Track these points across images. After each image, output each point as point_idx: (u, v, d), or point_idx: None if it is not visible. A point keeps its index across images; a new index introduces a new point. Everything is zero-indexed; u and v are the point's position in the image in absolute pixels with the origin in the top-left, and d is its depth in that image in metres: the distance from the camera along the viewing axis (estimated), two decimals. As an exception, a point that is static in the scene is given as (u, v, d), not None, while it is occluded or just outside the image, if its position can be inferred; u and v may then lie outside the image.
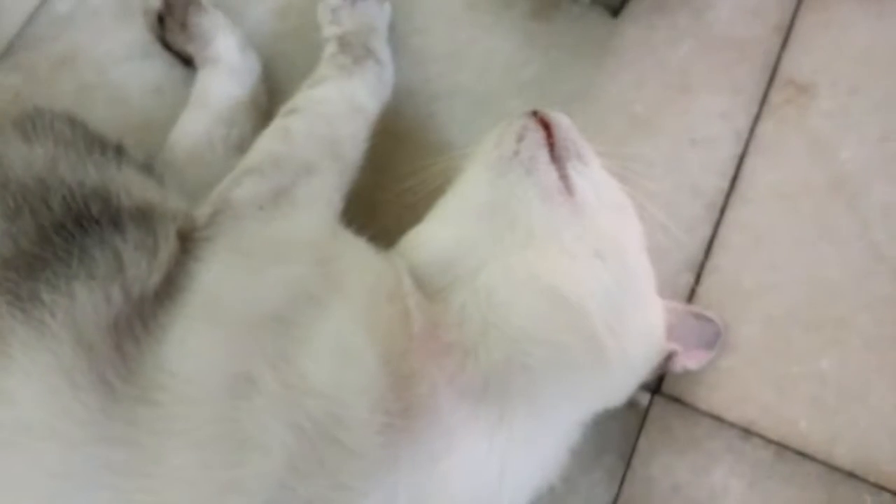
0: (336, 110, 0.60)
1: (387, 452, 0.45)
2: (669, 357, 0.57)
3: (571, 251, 0.52)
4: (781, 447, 0.60)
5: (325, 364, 0.45)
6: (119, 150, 0.54)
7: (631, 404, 0.61)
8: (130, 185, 0.51)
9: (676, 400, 0.62)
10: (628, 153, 0.68)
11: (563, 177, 0.55)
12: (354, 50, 0.64)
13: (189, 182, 0.59)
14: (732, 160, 0.68)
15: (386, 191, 0.66)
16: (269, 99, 0.69)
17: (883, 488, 0.58)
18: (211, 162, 0.62)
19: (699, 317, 0.62)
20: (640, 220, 0.65)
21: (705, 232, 0.67)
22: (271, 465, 0.43)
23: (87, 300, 0.43)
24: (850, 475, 0.59)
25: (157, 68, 0.73)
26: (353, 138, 0.59)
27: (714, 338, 0.61)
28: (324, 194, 0.54)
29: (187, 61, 0.71)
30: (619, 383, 0.55)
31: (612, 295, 0.52)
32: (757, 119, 0.69)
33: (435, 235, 0.56)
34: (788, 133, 0.69)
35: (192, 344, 0.45)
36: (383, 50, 0.67)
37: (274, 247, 0.50)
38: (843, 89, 0.69)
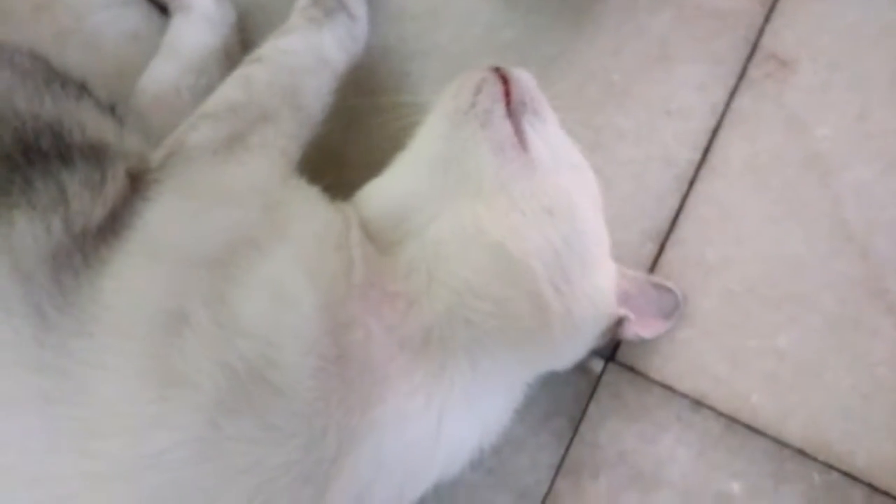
0: (301, 62, 0.59)
1: (317, 396, 0.45)
2: (619, 323, 0.57)
3: (520, 207, 0.52)
4: (731, 420, 0.60)
5: (260, 306, 0.45)
6: (81, 88, 0.55)
7: (584, 370, 0.62)
8: (86, 122, 0.51)
9: (630, 368, 0.62)
10: (600, 121, 0.69)
11: (519, 132, 0.54)
12: (326, 2, 0.63)
13: (154, 127, 0.60)
14: (706, 133, 0.67)
15: (354, 146, 0.66)
16: (242, 51, 0.69)
17: (832, 467, 0.58)
18: (177, 109, 0.62)
19: (659, 287, 0.61)
20: (609, 187, 0.65)
21: (673, 203, 0.66)
22: (199, 402, 0.43)
23: (26, 229, 0.44)
24: (800, 452, 0.59)
25: (134, 16, 0.72)
26: (316, 91, 0.59)
27: (672, 308, 0.61)
28: (279, 143, 0.54)
29: (164, 9, 0.71)
30: (563, 345, 0.54)
31: (560, 254, 0.52)
32: (734, 92, 0.68)
33: (389, 188, 0.56)
34: (765, 107, 0.67)
35: (130, 279, 0.45)
36: (357, 4, 0.66)
37: (222, 190, 0.50)
38: (825, 65, 0.68)
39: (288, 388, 0.44)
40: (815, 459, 0.58)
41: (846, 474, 0.57)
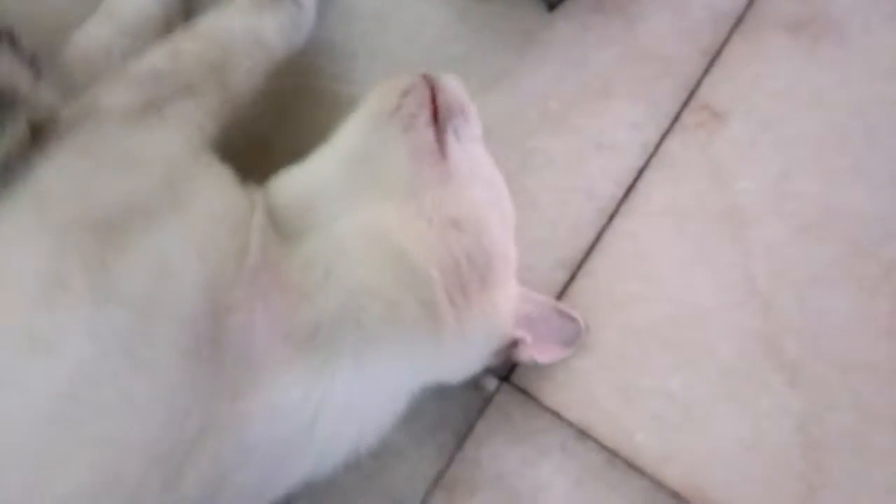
0: (236, 41, 0.59)
1: (184, 376, 0.44)
2: (514, 345, 0.57)
3: (428, 215, 0.52)
4: (613, 455, 0.60)
5: (141, 276, 0.45)
6: (3, 35, 0.54)
7: (477, 387, 0.62)
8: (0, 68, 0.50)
9: (523, 391, 0.62)
10: (532, 145, 0.69)
11: (440, 140, 0.54)
12: (274, -14, 0.63)
13: (78, 84, 0.59)
14: (632, 171, 0.68)
15: (283, 131, 0.66)
16: (184, 24, 0.68)
17: (703, 513, 0.59)
18: (104, 70, 0.61)
19: (563, 314, 0.62)
20: (531, 211, 0.66)
21: (589, 235, 0.67)
22: (58, 370, 0.42)
23: None
24: (675, 495, 0.59)
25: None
26: (247, 72, 0.58)
27: (572, 337, 0.61)
28: (196, 117, 0.54)
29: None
30: (452, 358, 0.54)
31: (460, 267, 0.52)
32: (665, 135, 0.69)
33: (303, 178, 0.55)
34: (692, 155, 0.69)
35: (11, 232, 0.44)
36: (306, -7, 0.66)
37: (125, 156, 0.50)
38: (756, 123, 0.70)
39: (155, 364, 0.44)
40: (690, 502, 0.59)
41: (715, 522, 0.58)
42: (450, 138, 0.55)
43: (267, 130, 0.66)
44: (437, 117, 0.55)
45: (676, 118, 0.70)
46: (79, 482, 0.42)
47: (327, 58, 0.71)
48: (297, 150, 0.59)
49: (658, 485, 0.59)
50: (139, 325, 0.44)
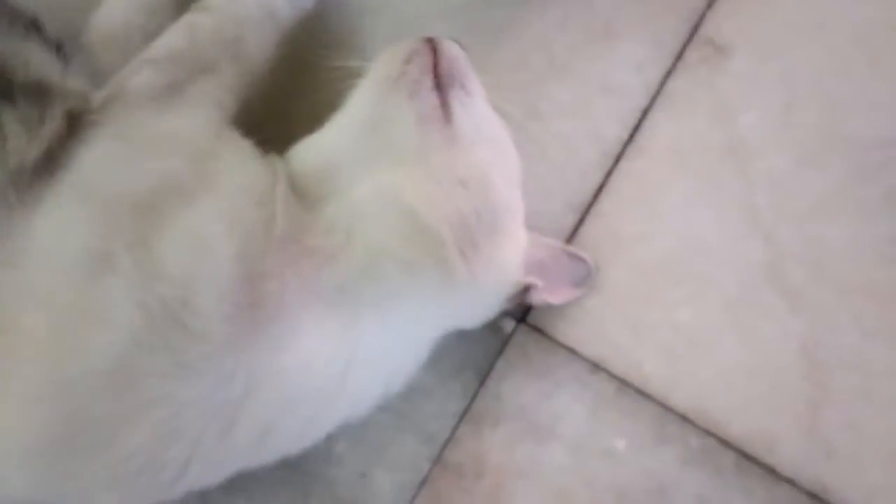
0: (248, 14, 0.61)
1: (229, 340, 0.49)
2: (526, 290, 0.61)
3: (437, 177, 0.55)
4: (624, 384, 0.65)
5: (181, 253, 0.49)
6: (30, 25, 0.57)
7: (496, 329, 0.66)
8: (30, 60, 0.54)
9: (538, 330, 0.66)
10: (539, 92, 0.71)
11: (444, 104, 0.57)
12: (280, -44, 0.65)
13: (102, 65, 0.62)
14: (637, 112, 0.70)
15: (298, 99, 0.69)
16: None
17: (709, 433, 0.63)
18: (126, 48, 0.63)
19: (573, 256, 0.65)
20: (539, 157, 0.69)
21: (597, 177, 0.69)
22: (115, 338, 0.47)
23: None
24: (682, 417, 0.64)
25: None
26: (260, 43, 0.61)
27: (583, 277, 0.65)
28: (216, 95, 0.57)
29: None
30: (468, 307, 0.59)
31: (469, 224, 0.55)
32: (669, 74, 0.71)
33: (319, 147, 0.59)
34: (697, 92, 0.70)
35: (59, 218, 0.49)
36: (311, -40, 0.68)
37: (156, 139, 0.53)
38: (758, 56, 0.71)
39: (201, 331, 0.48)
40: (694, 425, 0.63)
41: (721, 440, 0.63)
42: (454, 101, 0.57)
43: (281, 97, 0.69)
44: (440, 82, 0.58)
45: (680, 55, 0.71)
46: (142, 439, 0.48)
47: (335, 18, 0.73)
48: (312, 115, 0.62)
49: (666, 409, 0.64)
50: (184, 298, 0.48)
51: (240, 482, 0.57)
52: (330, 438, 0.59)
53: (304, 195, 0.56)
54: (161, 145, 0.53)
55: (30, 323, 0.47)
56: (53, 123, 0.51)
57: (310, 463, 0.63)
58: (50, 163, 0.50)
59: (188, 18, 0.60)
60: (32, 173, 0.49)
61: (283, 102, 0.68)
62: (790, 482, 0.62)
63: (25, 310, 0.47)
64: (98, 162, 0.51)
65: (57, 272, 0.48)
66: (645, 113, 0.70)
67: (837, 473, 0.62)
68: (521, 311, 0.67)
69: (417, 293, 0.55)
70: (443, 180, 0.55)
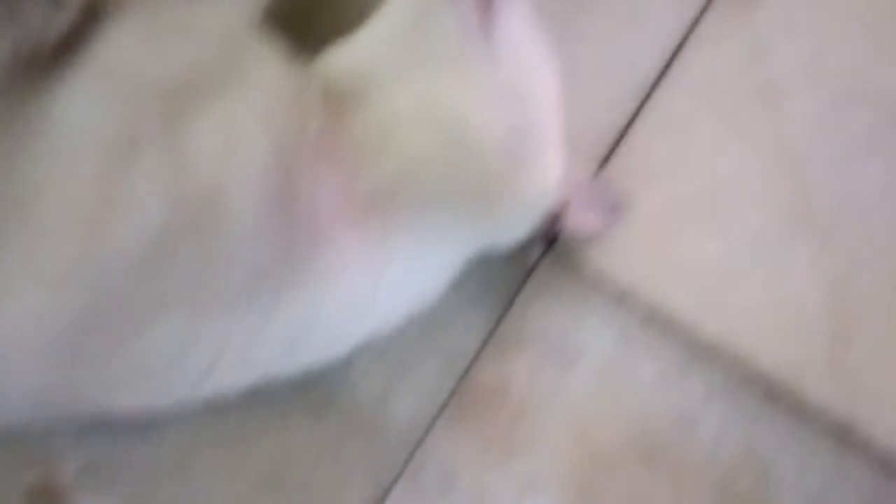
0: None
1: (262, 235, 0.48)
2: (561, 211, 0.60)
3: (478, 87, 0.54)
4: (651, 314, 0.64)
5: (211, 145, 0.48)
6: None
7: (523, 253, 0.65)
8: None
9: (565, 258, 0.65)
10: (576, 18, 0.71)
11: (487, 13, 0.56)
12: None
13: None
14: (671, 48, 0.70)
15: (322, 10, 0.67)
16: None
17: (736, 366, 0.63)
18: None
19: (603, 185, 0.65)
20: (573, 86, 0.68)
21: (629, 109, 0.69)
22: (143, 227, 0.46)
23: None
24: (710, 349, 0.63)
25: None
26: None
27: (614, 205, 0.64)
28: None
29: None
30: (505, 224, 0.58)
31: (509, 139, 0.54)
32: (703, 12, 0.71)
33: (352, 52, 0.57)
34: (729, 31, 0.70)
35: (83, 99, 0.47)
36: None
37: (185, 28, 0.52)
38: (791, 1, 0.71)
39: (234, 223, 0.47)
40: (721, 357, 0.63)
41: (748, 374, 0.62)
42: (496, 13, 0.56)
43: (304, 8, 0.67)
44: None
45: (714, -5, 0.71)
46: (170, 333, 0.47)
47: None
48: (336, 27, 0.61)
49: (693, 340, 0.63)
50: (214, 190, 0.47)
51: (257, 398, 0.56)
52: (351, 356, 0.57)
53: (338, 99, 0.55)
54: (190, 35, 0.51)
55: (54, 204, 0.45)
56: (71, 9, 0.49)
57: (330, 381, 0.61)
58: (72, 44, 0.49)
59: None
60: (55, 53, 0.48)
61: (303, 12, 0.67)
62: (816, 416, 0.61)
63: (49, 190, 0.45)
64: (125, 46, 0.49)
65: (81, 155, 0.46)
66: (679, 48, 0.70)
67: (863, 409, 0.61)
68: (550, 239, 0.66)
69: (453, 204, 0.54)
70: (484, 91, 0.54)
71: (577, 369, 0.63)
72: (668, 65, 0.69)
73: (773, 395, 0.62)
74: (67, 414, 0.53)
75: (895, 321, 0.63)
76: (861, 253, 0.64)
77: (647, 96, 0.69)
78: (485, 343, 0.64)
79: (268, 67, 0.53)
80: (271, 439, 0.60)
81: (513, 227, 0.60)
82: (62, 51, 0.49)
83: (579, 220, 0.62)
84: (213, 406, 0.55)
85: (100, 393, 0.50)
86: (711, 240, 0.66)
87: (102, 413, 0.53)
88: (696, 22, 0.70)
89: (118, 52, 0.50)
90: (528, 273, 0.65)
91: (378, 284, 0.53)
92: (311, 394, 0.62)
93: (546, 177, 0.59)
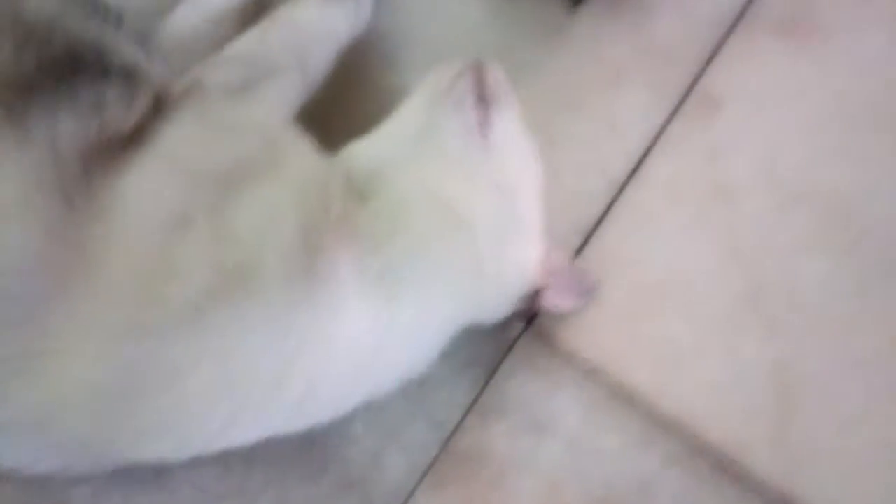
0: (312, 29, 0.70)
1: (286, 301, 0.55)
2: (539, 292, 0.68)
3: (474, 179, 0.63)
4: (617, 389, 0.71)
5: (251, 219, 0.56)
6: (119, 19, 0.64)
7: (505, 331, 0.73)
8: (122, 48, 0.61)
9: (543, 335, 0.73)
10: (554, 123, 0.80)
11: (485, 118, 0.65)
12: (341, -17, 0.73)
13: (174, 66, 0.69)
14: (640, 150, 0.79)
15: (338, 116, 0.76)
16: (257, 12, 0.78)
17: (689, 438, 0.70)
18: (193, 52, 0.71)
19: (579, 272, 0.73)
20: (553, 180, 0.77)
21: (602, 204, 0.78)
22: (191, 290, 0.53)
23: (67, 125, 0.54)
24: (669, 423, 0.71)
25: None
26: (321, 57, 0.69)
27: (587, 289, 0.73)
28: (284, 94, 0.65)
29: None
30: (491, 300, 0.66)
31: (499, 223, 0.63)
32: (669, 120, 0.80)
33: (370, 147, 0.66)
34: (692, 138, 0.80)
35: (147, 182, 0.55)
36: (366, -9, 0.76)
37: (232, 124, 0.61)
38: (749, 109, 0.81)
39: (262, 288, 0.55)
40: (676, 430, 0.70)
41: (699, 445, 0.70)
42: (493, 117, 0.66)
43: (323, 113, 0.76)
44: (482, 98, 0.66)
45: (679, 105, 0.81)
46: (200, 386, 0.54)
47: (377, 45, 0.81)
48: (349, 130, 0.69)
49: (654, 414, 0.71)
50: (251, 259, 0.54)
51: (260, 454, 0.63)
52: (347, 419, 0.64)
53: (356, 187, 0.63)
54: (236, 128, 0.60)
55: (115, 270, 0.52)
56: (145, 101, 0.58)
57: (327, 440, 0.68)
58: (141, 134, 0.57)
59: (261, 27, 0.68)
60: (126, 142, 0.56)
61: (322, 116, 0.76)
62: (759, 488, 0.69)
63: (111, 259, 0.52)
64: (182, 137, 0.58)
65: (142, 229, 0.54)
66: (647, 151, 0.79)
67: (802, 482, 0.69)
68: (529, 317, 0.73)
69: (448, 282, 0.62)
70: (479, 183, 0.63)
71: (549, 438, 0.70)
72: (637, 166, 0.79)
73: (721, 466, 0.69)
74: (94, 465, 0.59)
75: (834, 403, 0.71)
76: (804, 341, 0.73)
77: (619, 193, 0.78)
78: (468, 410, 0.71)
79: (301, 158, 0.62)
80: (272, 493, 0.67)
81: (499, 302, 0.68)
82: (136, 135, 0.57)
83: (556, 302, 0.70)
84: (221, 457, 0.61)
85: (128, 445, 0.57)
86: (671, 324, 0.74)
87: (125, 464, 0.60)
88: (663, 128, 0.80)
89: (179, 142, 0.58)
90: (509, 348, 0.73)
91: (380, 348, 0.61)
92: (310, 452, 0.69)
93: (528, 260, 0.67)
